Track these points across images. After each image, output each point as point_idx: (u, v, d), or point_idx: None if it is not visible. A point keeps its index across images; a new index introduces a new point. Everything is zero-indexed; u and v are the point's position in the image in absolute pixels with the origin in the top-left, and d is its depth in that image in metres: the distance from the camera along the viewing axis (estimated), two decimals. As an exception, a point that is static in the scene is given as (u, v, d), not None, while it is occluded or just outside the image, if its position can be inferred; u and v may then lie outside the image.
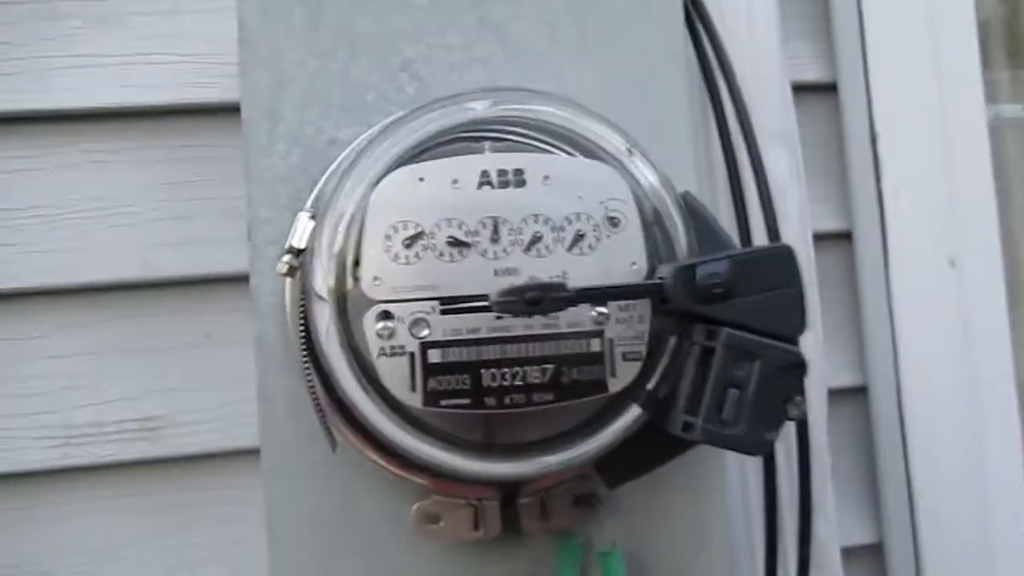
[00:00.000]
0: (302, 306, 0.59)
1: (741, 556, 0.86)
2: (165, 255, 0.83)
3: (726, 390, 0.50)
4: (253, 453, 0.78)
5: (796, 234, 0.85)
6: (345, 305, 0.55)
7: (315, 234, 0.56)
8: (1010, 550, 0.93)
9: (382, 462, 0.64)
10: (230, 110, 0.77)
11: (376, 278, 0.54)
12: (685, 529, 0.69)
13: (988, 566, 0.93)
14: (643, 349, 0.55)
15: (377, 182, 0.54)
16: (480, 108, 0.57)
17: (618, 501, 0.68)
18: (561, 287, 0.49)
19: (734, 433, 0.49)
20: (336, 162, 0.66)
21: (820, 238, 0.92)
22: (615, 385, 0.55)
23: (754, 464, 0.82)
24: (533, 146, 0.58)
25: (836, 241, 0.94)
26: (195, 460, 0.83)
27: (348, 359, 0.55)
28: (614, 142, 0.56)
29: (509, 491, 0.64)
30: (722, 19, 0.81)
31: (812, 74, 0.94)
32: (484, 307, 0.54)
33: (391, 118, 0.67)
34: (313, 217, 0.59)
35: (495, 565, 0.67)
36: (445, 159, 0.55)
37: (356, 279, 0.54)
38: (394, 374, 0.54)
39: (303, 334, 0.59)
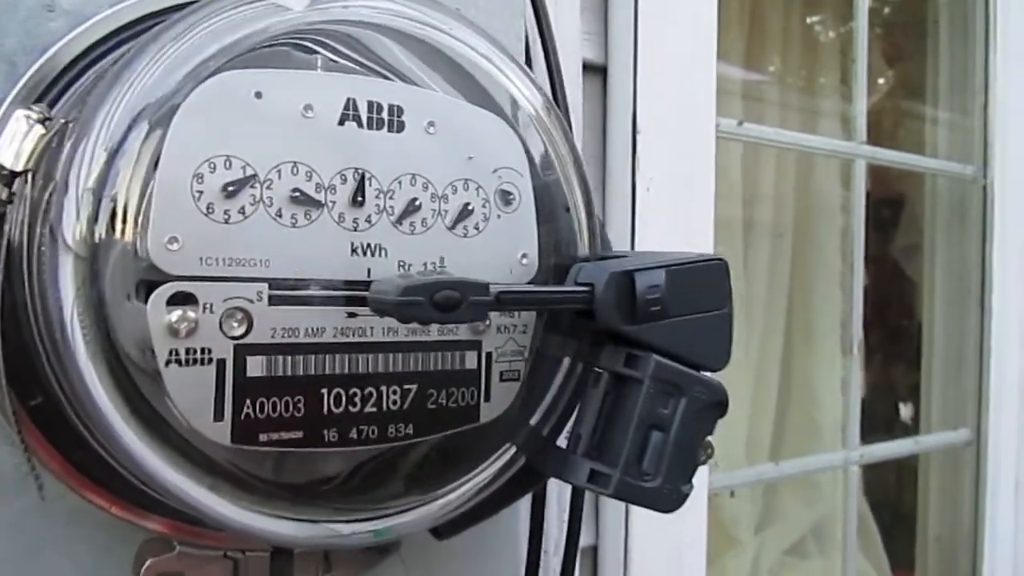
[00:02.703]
0: (4, 265, 0.36)
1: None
2: None
3: (649, 432, 0.39)
4: None
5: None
6: (102, 274, 0.34)
7: (59, 156, 0.34)
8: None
9: (101, 502, 0.43)
10: None
11: (173, 239, 0.34)
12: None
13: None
14: (523, 368, 0.42)
15: (178, 92, 0.34)
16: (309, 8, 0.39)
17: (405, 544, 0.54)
18: (483, 288, 0.34)
19: (653, 487, 0.39)
20: (59, 43, 0.42)
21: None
22: (488, 412, 0.41)
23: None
24: (389, 71, 0.41)
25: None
26: None
27: (100, 357, 0.34)
28: (522, 89, 0.42)
29: (284, 537, 0.47)
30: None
31: (586, 52, 0.87)
32: (334, 297, 0.37)
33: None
34: (45, 123, 0.36)
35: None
36: (296, 72, 0.36)
37: (135, 238, 0.33)
38: (189, 392, 0.34)
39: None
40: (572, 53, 0.78)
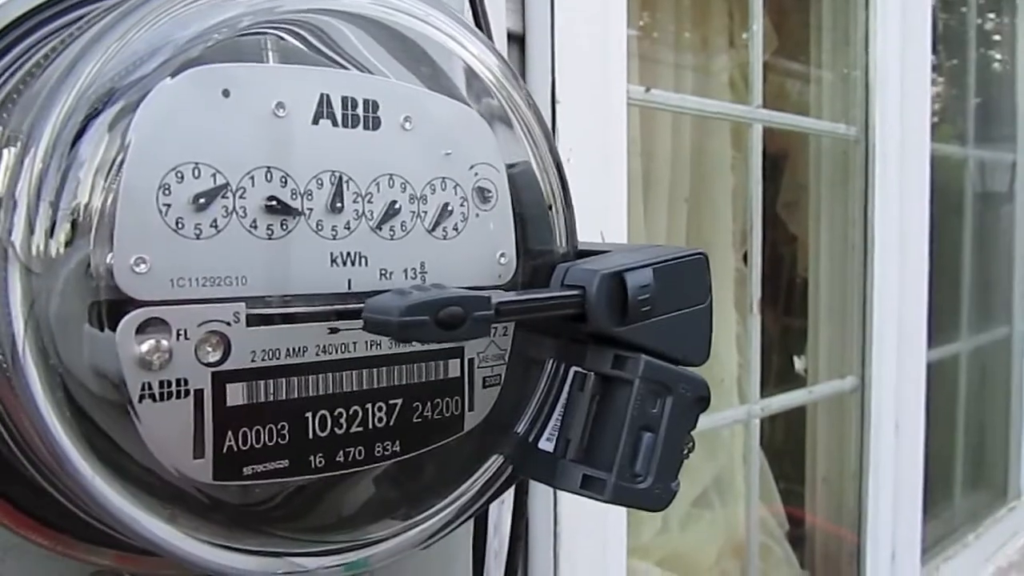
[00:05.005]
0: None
1: None
2: None
3: (640, 434, 0.38)
4: None
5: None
6: (56, 294, 0.30)
7: (7, 167, 0.29)
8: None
9: (42, 540, 0.39)
10: None
11: (140, 260, 0.30)
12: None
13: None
14: (503, 372, 0.40)
15: (137, 93, 0.30)
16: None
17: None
18: (485, 301, 0.32)
19: (645, 488, 0.39)
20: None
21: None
22: (472, 421, 0.39)
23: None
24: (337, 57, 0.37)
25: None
26: None
27: (52, 384, 0.30)
28: (487, 62, 0.39)
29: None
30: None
31: (508, 22, 0.84)
32: (315, 313, 0.34)
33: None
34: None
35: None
36: (264, 66, 0.33)
37: (96, 255, 0.29)
38: (165, 430, 0.31)
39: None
40: (498, 24, 0.75)
